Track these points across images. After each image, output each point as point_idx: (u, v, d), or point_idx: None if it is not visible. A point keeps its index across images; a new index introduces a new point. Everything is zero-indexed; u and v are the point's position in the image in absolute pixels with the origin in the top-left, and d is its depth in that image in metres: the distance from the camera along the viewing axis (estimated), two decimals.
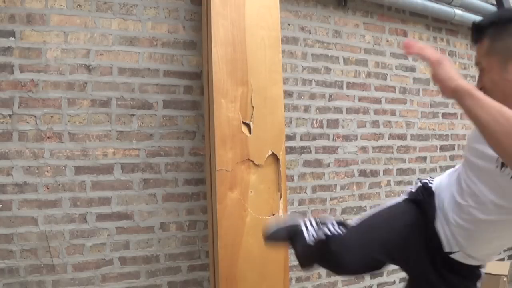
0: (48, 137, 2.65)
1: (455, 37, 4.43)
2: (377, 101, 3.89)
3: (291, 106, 3.43)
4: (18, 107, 2.58)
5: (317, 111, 3.57)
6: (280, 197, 2.93)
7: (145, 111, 2.90)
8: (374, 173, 3.90)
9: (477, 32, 1.74)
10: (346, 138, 3.72)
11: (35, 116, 2.62)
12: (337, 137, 3.68)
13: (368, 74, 3.83)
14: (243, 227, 2.79)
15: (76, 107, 2.72)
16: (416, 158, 4.19)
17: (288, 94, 3.41)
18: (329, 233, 1.89)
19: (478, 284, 1.90)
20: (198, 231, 3.07)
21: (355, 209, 3.80)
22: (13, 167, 2.58)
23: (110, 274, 2.83)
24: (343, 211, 3.74)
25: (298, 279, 3.51)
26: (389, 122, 3.97)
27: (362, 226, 1.96)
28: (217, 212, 2.74)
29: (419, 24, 4.14)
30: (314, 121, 3.55)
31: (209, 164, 2.88)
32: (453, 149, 4.48)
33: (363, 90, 3.80)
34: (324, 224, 1.95)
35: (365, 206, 3.86)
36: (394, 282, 4.07)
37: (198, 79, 3.06)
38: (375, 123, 3.88)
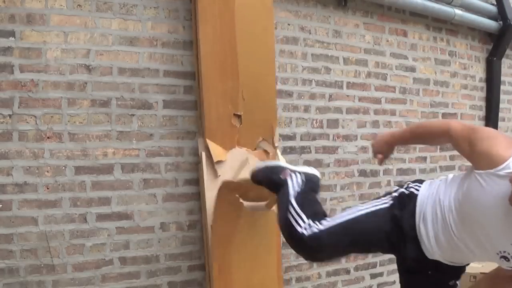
0: (48, 137, 2.65)
1: (455, 37, 4.43)
2: (377, 101, 3.89)
3: (291, 106, 3.43)
4: (18, 107, 2.57)
5: (317, 111, 3.56)
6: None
7: (145, 111, 2.90)
8: (374, 173, 3.90)
9: None
10: (346, 138, 3.72)
11: (35, 116, 2.62)
12: (337, 137, 3.68)
13: (368, 74, 3.83)
14: (236, 220, 2.81)
15: (76, 107, 2.71)
16: (416, 158, 4.19)
17: (288, 94, 3.41)
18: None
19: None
20: (198, 231, 3.07)
21: None
22: (13, 167, 2.58)
23: (110, 274, 2.83)
24: (343, 211, 3.73)
25: (298, 279, 3.51)
26: (389, 122, 3.97)
27: (346, 228, 2.00)
28: (207, 200, 2.80)
29: (419, 24, 4.14)
30: (314, 121, 3.55)
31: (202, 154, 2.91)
32: (453, 149, 4.47)
33: (363, 90, 3.80)
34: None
35: None
36: (394, 282, 4.07)
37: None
38: (375, 123, 3.88)
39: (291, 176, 2.20)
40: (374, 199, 2.12)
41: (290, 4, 3.42)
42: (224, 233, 2.79)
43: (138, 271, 2.91)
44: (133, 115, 2.87)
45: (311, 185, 2.22)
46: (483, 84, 4.71)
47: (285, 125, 3.41)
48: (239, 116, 2.92)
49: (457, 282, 2.01)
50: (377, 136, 2.21)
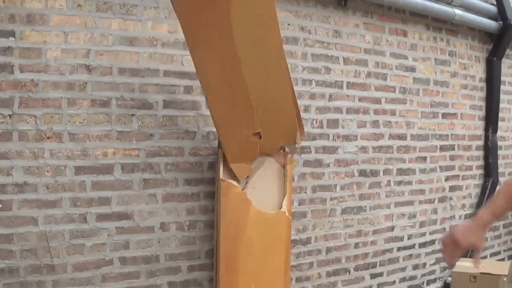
0: (48, 137, 2.65)
1: (455, 37, 4.43)
2: (377, 101, 3.89)
3: None
4: (18, 107, 2.57)
5: (317, 111, 3.56)
6: (285, 194, 2.96)
7: (145, 111, 2.90)
8: (374, 173, 3.90)
9: None
10: (346, 138, 3.72)
11: (35, 116, 2.62)
12: (337, 137, 3.68)
13: (368, 74, 3.83)
14: (245, 220, 2.82)
15: (76, 107, 2.71)
16: (416, 158, 4.19)
17: None
18: None
19: None
20: (198, 231, 3.07)
21: (355, 209, 3.80)
22: (13, 167, 2.57)
23: (110, 274, 2.83)
24: (343, 211, 3.74)
25: (298, 279, 3.51)
26: (389, 122, 3.97)
27: None
28: (221, 204, 2.80)
29: (419, 24, 4.14)
30: (314, 121, 3.55)
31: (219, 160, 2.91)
32: (453, 149, 4.47)
33: (363, 90, 3.80)
34: None
35: (365, 206, 3.86)
36: (394, 282, 4.08)
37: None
38: (375, 123, 3.88)
39: None
40: None
41: (290, 4, 3.41)
42: (234, 232, 2.80)
43: (138, 271, 2.91)
44: (133, 115, 2.87)
45: None
46: (483, 84, 4.71)
47: None
48: (258, 133, 2.83)
49: None
50: (452, 232, 1.74)
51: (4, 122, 2.55)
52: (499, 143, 4.86)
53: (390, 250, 4.05)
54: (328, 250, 3.67)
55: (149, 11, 2.90)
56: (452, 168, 4.48)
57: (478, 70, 4.66)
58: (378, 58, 3.87)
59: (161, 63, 2.94)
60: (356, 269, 3.84)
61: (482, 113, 4.72)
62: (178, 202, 3.01)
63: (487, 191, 4.70)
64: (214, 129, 3.10)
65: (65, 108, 2.69)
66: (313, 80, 3.54)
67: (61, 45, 2.67)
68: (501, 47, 4.64)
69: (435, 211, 4.37)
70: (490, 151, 4.74)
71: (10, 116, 2.56)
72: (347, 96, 3.71)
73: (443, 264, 4.48)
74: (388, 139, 3.97)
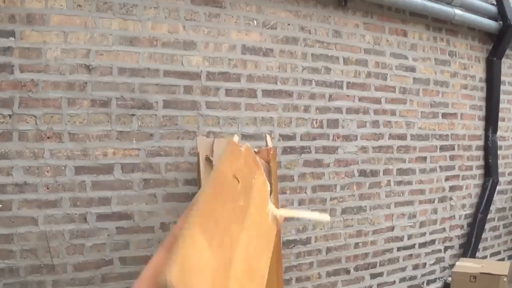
0: (48, 137, 2.65)
1: (455, 37, 4.43)
2: (377, 101, 3.89)
3: (291, 106, 3.43)
4: (18, 107, 2.58)
5: (317, 111, 3.57)
6: (271, 192, 2.90)
7: (145, 111, 2.90)
8: (374, 173, 3.90)
9: None
10: (346, 138, 3.72)
11: (35, 116, 2.62)
12: (337, 137, 3.68)
13: (368, 74, 3.83)
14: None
15: (76, 107, 2.71)
16: (416, 158, 4.19)
17: (288, 94, 3.41)
18: None
19: None
20: None
21: (355, 209, 3.80)
22: (13, 167, 2.58)
23: (110, 274, 2.83)
24: (343, 211, 3.74)
25: (298, 279, 3.51)
26: (389, 122, 3.97)
27: None
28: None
29: (419, 24, 4.14)
30: (314, 121, 3.55)
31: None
32: (453, 149, 4.47)
33: (363, 90, 3.80)
34: None
35: (365, 206, 3.86)
36: (394, 282, 4.07)
37: (198, 79, 3.06)
38: (375, 123, 3.88)
39: None
40: None
41: (290, 4, 3.42)
42: None
43: (138, 271, 2.89)
44: (133, 115, 2.87)
45: None
46: (483, 84, 4.71)
47: (285, 125, 3.41)
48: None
49: None
50: None
51: (4, 122, 2.55)
52: (499, 143, 4.86)
53: (390, 250, 4.05)
54: (328, 250, 3.67)
55: (149, 11, 2.90)
56: (452, 168, 4.48)
57: (478, 70, 4.66)
58: (378, 58, 3.88)
59: (161, 63, 2.94)
60: (356, 269, 3.84)
61: (482, 113, 4.72)
62: (178, 202, 3.01)
63: (487, 191, 4.71)
64: (214, 129, 3.11)
65: (65, 108, 2.69)
66: (313, 80, 3.54)
67: (61, 45, 2.67)
68: (501, 47, 4.64)
69: (435, 211, 4.37)
70: (490, 151, 4.74)
71: (10, 116, 2.56)
72: (347, 96, 3.71)
73: (443, 264, 4.49)
74: (388, 139, 3.97)
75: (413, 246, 4.22)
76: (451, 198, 4.50)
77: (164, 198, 2.97)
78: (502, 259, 5.11)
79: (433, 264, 4.41)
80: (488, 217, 4.77)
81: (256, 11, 3.27)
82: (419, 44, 4.15)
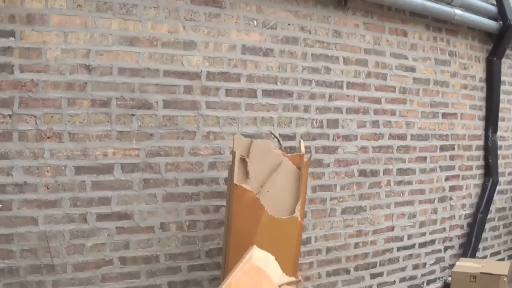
0: (48, 137, 2.65)
1: (455, 37, 4.43)
2: (377, 101, 3.89)
3: (291, 106, 3.43)
4: (18, 107, 2.57)
5: (317, 111, 3.57)
6: (298, 198, 2.86)
7: (145, 111, 2.90)
8: (374, 173, 3.90)
9: None
10: (346, 138, 3.72)
11: (35, 116, 2.62)
12: (337, 137, 3.68)
13: (368, 74, 3.83)
14: (257, 225, 2.74)
15: (76, 107, 2.71)
16: (416, 158, 4.19)
17: (288, 94, 3.41)
18: None
19: None
20: (198, 231, 3.07)
21: (355, 209, 3.80)
22: (13, 167, 2.57)
23: (110, 274, 2.83)
24: (343, 211, 3.74)
25: None
26: (389, 122, 3.97)
27: None
28: (233, 209, 2.72)
29: (419, 24, 4.14)
30: (314, 121, 3.55)
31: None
32: (453, 149, 4.48)
33: (363, 90, 3.80)
34: None
35: (365, 206, 3.86)
36: (394, 282, 4.08)
37: (198, 79, 3.06)
38: (375, 123, 3.88)
39: None
40: None
41: (290, 4, 3.42)
42: (245, 237, 2.71)
43: (138, 271, 2.91)
44: (133, 115, 2.87)
45: None
46: (483, 84, 4.71)
47: (285, 125, 3.41)
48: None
49: None
50: None
51: (4, 122, 2.55)
52: (499, 143, 4.86)
53: (390, 250, 4.05)
54: (328, 250, 3.67)
55: (149, 11, 2.90)
56: (452, 168, 4.48)
57: (478, 70, 4.66)
58: (378, 58, 3.88)
59: (161, 63, 2.94)
60: (356, 269, 3.84)
61: (482, 113, 4.72)
62: (178, 202, 3.01)
63: (487, 191, 4.71)
64: (214, 129, 3.12)
65: (65, 108, 2.69)
66: (313, 80, 3.54)
67: (61, 45, 2.67)
68: (501, 47, 4.64)
69: (435, 211, 4.38)
70: (490, 151, 4.74)
71: (10, 116, 2.56)
72: (347, 96, 3.71)
73: (443, 264, 4.49)
74: (388, 139, 3.97)
75: (413, 246, 4.22)
76: (451, 198, 4.50)
77: (164, 198, 2.97)
78: (502, 259, 5.11)
79: (433, 264, 4.42)
80: (488, 217, 4.78)
81: (256, 11, 3.26)
82: (419, 44, 4.15)
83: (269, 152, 2.85)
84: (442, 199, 4.42)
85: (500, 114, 4.80)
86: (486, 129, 4.74)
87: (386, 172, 3.98)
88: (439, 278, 4.48)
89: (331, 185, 3.66)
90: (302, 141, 3.05)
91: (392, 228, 4.05)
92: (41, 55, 2.62)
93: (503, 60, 4.74)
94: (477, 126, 4.69)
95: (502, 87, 4.79)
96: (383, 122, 3.93)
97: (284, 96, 3.40)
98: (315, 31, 3.54)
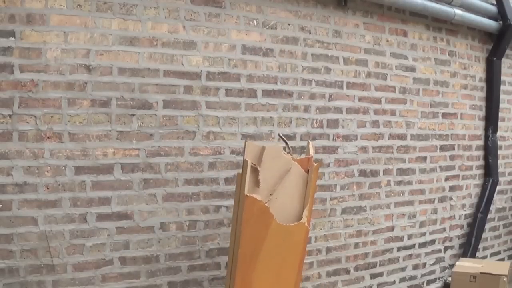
0: (48, 137, 2.65)
1: (455, 37, 4.43)
2: (377, 101, 3.89)
3: (291, 106, 3.43)
4: (18, 107, 2.57)
5: (317, 111, 3.57)
6: (306, 204, 2.85)
7: (145, 111, 2.90)
8: (374, 173, 3.90)
9: None
10: (346, 138, 3.72)
11: (35, 116, 2.62)
12: (337, 137, 3.68)
13: (368, 74, 3.83)
14: (265, 233, 2.73)
15: (76, 107, 2.71)
16: (416, 158, 4.19)
17: (288, 94, 3.41)
18: None
19: None
20: (198, 231, 3.07)
21: (355, 209, 3.80)
22: (13, 167, 2.58)
23: (110, 274, 2.83)
24: (343, 211, 3.74)
25: None
26: (389, 122, 3.97)
27: None
28: (243, 218, 2.68)
29: (419, 24, 4.14)
30: (314, 121, 3.55)
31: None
32: (453, 149, 4.48)
33: (363, 90, 3.80)
34: None
35: (365, 206, 3.86)
36: (394, 282, 4.08)
37: (198, 79, 3.06)
38: (375, 123, 3.88)
39: None
40: None
41: (290, 4, 3.42)
42: (253, 244, 2.71)
43: (138, 271, 2.91)
44: (133, 115, 2.87)
45: None
46: (483, 84, 4.71)
47: (285, 125, 3.41)
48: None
49: None
50: None
51: (4, 122, 2.55)
52: (499, 143, 4.86)
53: (390, 250, 4.05)
54: (328, 250, 3.67)
55: (149, 11, 2.90)
56: (452, 168, 4.48)
57: (478, 70, 4.66)
58: (378, 58, 3.88)
59: (161, 63, 2.94)
60: (356, 269, 3.84)
61: (482, 113, 4.72)
62: (178, 202, 3.01)
63: (487, 191, 4.71)
64: (214, 129, 3.12)
65: (65, 108, 2.69)
66: (313, 80, 3.54)
67: (61, 45, 2.67)
68: (501, 47, 4.64)
69: (435, 211, 4.38)
70: (490, 151, 4.74)
71: (10, 116, 2.56)
72: (347, 96, 3.72)
73: (443, 264, 4.49)
74: (388, 139, 3.97)
75: (413, 246, 4.22)
76: (451, 198, 4.50)
77: (164, 198, 2.97)
78: (502, 259, 5.11)
79: (433, 264, 4.42)
80: (488, 217, 4.78)
81: (256, 11, 3.27)
82: (419, 44, 4.15)
83: (279, 158, 2.82)
84: (442, 199, 4.42)
85: (500, 114, 4.80)
86: (486, 129, 4.74)
87: (386, 172, 3.98)
88: (439, 278, 4.49)
89: (331, 185, 3.66)
90: (311, 142, 3.03)
91: (392, 228, 4.06)
92: (41, 55, 2.62)
93: (503, 60, 4.74)
94: (477, 126, 4.69)
95: (502, 87, 4.80)
96: (383, 122, 3.93)
97: (284, 96, 3.40)
98: (315, 31, 3.54)
